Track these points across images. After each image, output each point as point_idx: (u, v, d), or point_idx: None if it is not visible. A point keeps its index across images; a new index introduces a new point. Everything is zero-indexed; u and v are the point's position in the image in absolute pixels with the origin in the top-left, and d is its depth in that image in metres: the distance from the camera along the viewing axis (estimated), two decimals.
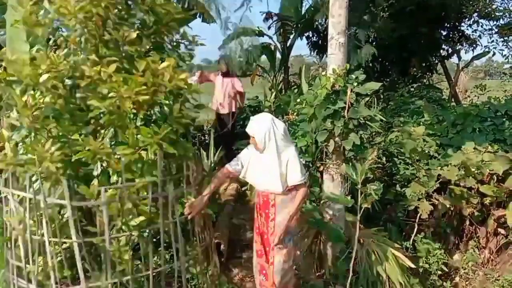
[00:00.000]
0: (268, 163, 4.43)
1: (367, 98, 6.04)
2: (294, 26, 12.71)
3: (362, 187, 4.34)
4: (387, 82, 13.65)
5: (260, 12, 12.73)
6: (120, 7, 4.25)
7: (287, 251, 4.50)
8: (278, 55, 13.39)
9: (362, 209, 4.42)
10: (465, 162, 6.60)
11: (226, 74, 9.79)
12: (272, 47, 13.06)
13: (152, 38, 4.51)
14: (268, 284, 4.71)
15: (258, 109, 11.56)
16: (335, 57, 5.62)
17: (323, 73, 5.90)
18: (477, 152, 6.78)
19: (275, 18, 12.70)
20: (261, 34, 12.49)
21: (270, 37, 12.82)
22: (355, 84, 5.45)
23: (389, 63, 14.34)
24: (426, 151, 7.60)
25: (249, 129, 4.51)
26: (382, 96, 12.10)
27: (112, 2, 4.10)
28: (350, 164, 5.08)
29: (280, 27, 12.84)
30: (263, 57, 13.59)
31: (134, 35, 4.10)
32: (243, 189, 8.62)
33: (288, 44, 13.17)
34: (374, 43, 11.43)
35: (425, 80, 15.14)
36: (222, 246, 5.84)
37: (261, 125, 4.42)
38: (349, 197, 5.60)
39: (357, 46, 11.16)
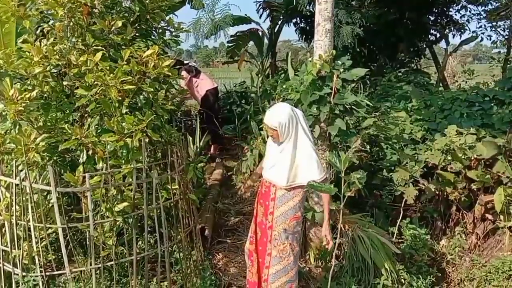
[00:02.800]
0: (282, 152, 4.35)
1: (353, 84, 6.04)
2: (283, 11, 12.62)
3: (346, 176, 4.31)
4: (374, 67, 13.64)
5: (254, 1, 12.65)
6: None
7: (284, 247, 4.46)
8: (266, 41, 13.31)
9: (346, 197, 4.41)
10: (448, 145, 6.63)
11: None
12: (260, 33, 13.00)
13: (137, 26, 4.52)
14: (253, 270, 4.73)
15: (245, 94, 11.54)
16: (321, 43, 5.60)
17: (310, 58, 5.89)
18: (460, 135, 6.80)
19: (268, 6, 12.62)
20: (246, 20, 12.41)
21: (257, 23, 12.74)
22: (342, 70, 5.44)
23: (376, 48, 14.28)
24: (413, 137, 7.63)
25: (268, 122, 4.29)
26: (369, 81, 12.11)
27: None
28: (334, 151, 5.05)
29: (269, 14, 12.77)
30: (251, 43, 13.55)
31: (119, 23, 4.11)
32: (228, 173, 8.64)
33: (276, 29, 13.10)
34: (361, 28, 11.37)
35: (413, 65, 15.08)
36: (206, 231, 5.85)
37: (282, 117, 4.23)
38: (333, 184, 5.59)
39: (339, 27, 11.12)
